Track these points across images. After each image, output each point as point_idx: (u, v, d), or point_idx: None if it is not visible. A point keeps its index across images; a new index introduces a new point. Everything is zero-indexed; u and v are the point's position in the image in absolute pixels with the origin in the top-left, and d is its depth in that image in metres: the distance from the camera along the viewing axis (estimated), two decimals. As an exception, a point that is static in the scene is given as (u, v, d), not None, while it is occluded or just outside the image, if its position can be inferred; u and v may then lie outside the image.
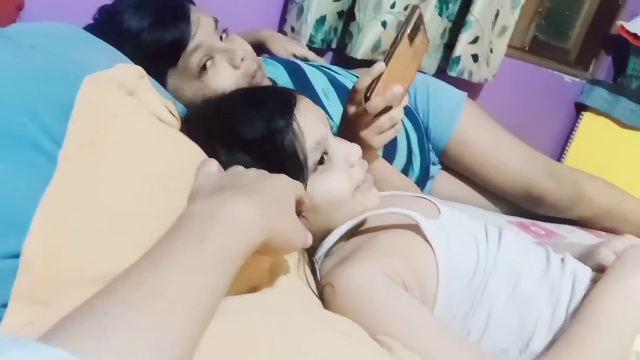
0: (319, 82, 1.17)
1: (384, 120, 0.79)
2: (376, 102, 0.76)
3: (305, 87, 1.13)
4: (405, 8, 1.43)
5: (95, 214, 0.46)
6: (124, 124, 0.52)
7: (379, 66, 0.76)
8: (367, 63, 1.41)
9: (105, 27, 0.85)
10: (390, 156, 1.21)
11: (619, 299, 0.62)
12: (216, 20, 0.94)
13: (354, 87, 0.79)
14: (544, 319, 0.67)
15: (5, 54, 0.55)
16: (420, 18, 0.80)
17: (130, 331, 0.32)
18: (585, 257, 0.78)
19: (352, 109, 0.80)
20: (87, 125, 0.50)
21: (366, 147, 0.78)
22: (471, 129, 1.33)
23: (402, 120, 1.24)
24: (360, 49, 1.43)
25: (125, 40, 0.80)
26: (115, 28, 0.84)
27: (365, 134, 0.80)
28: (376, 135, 0.81)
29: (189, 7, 0.90)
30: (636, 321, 0.61)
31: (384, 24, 1.42)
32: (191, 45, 0.88)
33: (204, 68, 0.90)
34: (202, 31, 0.89)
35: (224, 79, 0.91)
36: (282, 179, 0.53)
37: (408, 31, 0.78)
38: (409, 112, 1.31)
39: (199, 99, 0.87)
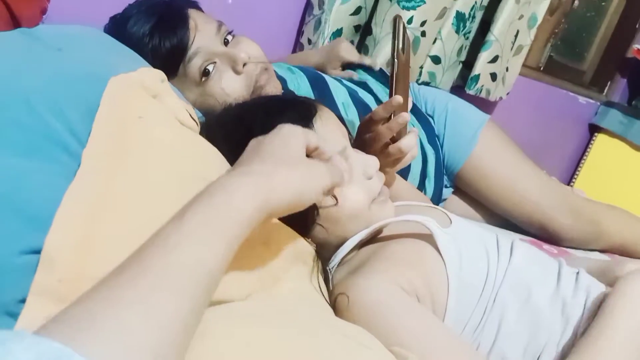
0: (340, 95, 1.17)
1: (393, 149, 0.79)
2: (382, 131, 0.77)
3: (326, 99, 1.12)
4: (422, 24, 1.44)
5: (119, 213, 0.46)
6: (149, 125, 0.53)
7: (397, 99, 0.76)
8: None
9: (115, 32, 0.84)
10: (402, 177, 1.21)
11: (627, 315, 0.62)
12: (220, 24, 0.91)
13: (370, 116, 0.80)
14: (554, 334, 0.66)
15: (34, 55, 0.56)
16: (404, 27, 0.79)
17: (120, 313, 0.32)
18: (599, 273, 0.77)
19: (365, 135, 0.81)
20: (112, 126, 0.50)
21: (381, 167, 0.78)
22: (488, 156, 1.27)
23: (422, 143, 1.25)
24: (376, 62, 1.44)
25: (132, 46, 0.80)
26: (123, 34, 0.84)
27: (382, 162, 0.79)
28: (387, 164, 0.80)
29: (189, 13, 0.88)
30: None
31: (400, 39, 1.43)
32: (190, 51, 0.86)
33: (205, 74, 0.88)
34: (201, 36, 0.87)
35: (227, 84, 0.89)
36: (285, 132, 0.52)
37: (400, 45, 0.78)
38: (430, 134, 1.29)
39: (203, 105, 0.88)
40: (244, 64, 0.89)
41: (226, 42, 0.91)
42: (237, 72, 0.89)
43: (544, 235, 1.28)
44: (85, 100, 0.53)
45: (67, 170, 0.47)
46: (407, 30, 0.85)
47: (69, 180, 0.46)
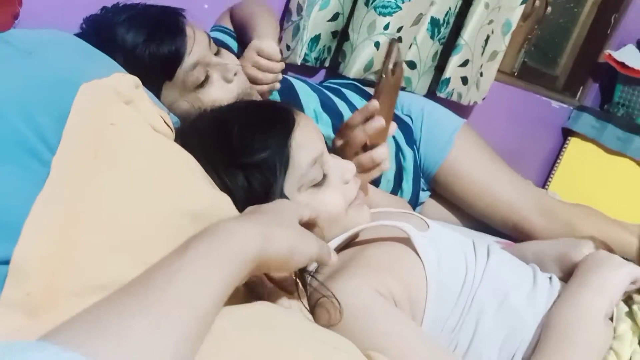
0: (311, 102, 1.18)
1: (364, 158, 0.80)
2: (356, 134, 0.77)
3: (295, 106, 1.13)
4: (399, 30, 1.45)
5: (91, 222, 0.45)
6: (121, 132, 0.52)
7: (373, 104, 0.77)
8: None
9: (96, 38, 0.83)
10: (375, 181, 1.21)
11: (577, 321, 0.65)
12: (209, 36, 0.95)
13: (346, 122, 0.80)
14: (528, 335, 0.67)
15: (3, 59, 0.55)
16: (398, 51, 0.81)
17: (147, 333, 0.34)
18: (556, 259, 0.80)
19: (339, 142, 0.82)
20: (83, 132, 0.50)
21: None
22: (464, 159, 1.30)
23: (399, 144, 1.26)
24: (353, 68, 1.45)
25: (118, 53, 0.80)
26: (107, 40, 0.83)
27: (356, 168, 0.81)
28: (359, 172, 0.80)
29: (184, 21, 0.91)
30: (594, 337, 0.64)
31: (377, 45, 1.44)
32: (189, 60, 0.88)
33: (202, 84, 0.91)
34: (198, 47, 0.90)
35: (219, 93, 0.91)
36: (284, 202, 0.56)
37: (391, 66, 0.79)
38: (407, 135, 1.30)
39: (195, 110, 0.87)
40: (235, 74, 0.93)
41: (216, 54, 0.94)
42: (228, 81, 0.93)
43: (519, 236, 1.30)
44: (56, 106, 0.52)
45: (38, 178, 0.46)
46: (402, 56, 0.86)
47: (39, 188, 0.45)
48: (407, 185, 1.30)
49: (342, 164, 0.72)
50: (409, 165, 1.29)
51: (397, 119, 1.30)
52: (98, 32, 0.86)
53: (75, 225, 0.45)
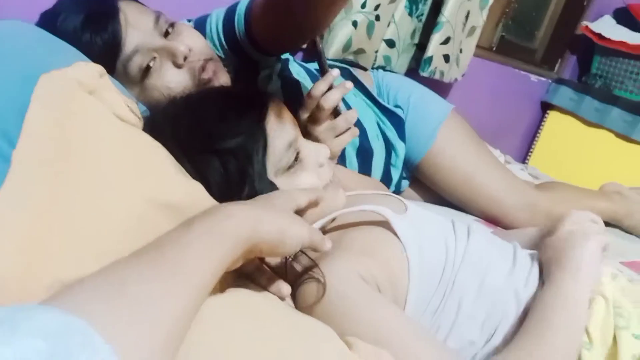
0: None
1: (339, 120, 0.80)
2: (332, 96, 0.78)
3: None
4: (376, 8, 1.43)
5: (56, 217, 0.44)
6: (84, 122, 0.50)
7: (335, 72, 0.79)
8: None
9: (46, 28, 0.77)
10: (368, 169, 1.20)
11: (559, 308, 0.64)
12: (158, 15, 0.85)
13: (309, 93, 0.79)
14: (509, 312, 0.68)
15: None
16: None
17: (145, 286, 0.36)
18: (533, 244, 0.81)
19: (305, 114, 0.81)
20: (44, 124, 0.48)
21: None
22: (448, 149, 1.27)
23: (388, 137, 1.24)
24: (331, 49, 1.43)
25: (68, 41, 0.73)
26: (54, 30, 0.76)
27: (322, 137, 0.81)
28: (333, 138, 0.81)
29: (119, 5, 0.82)
30: (577, 325, 0.64)
31: (354, 24, 1.42)
32: (127, 49, 0.81)
33: (146, 70, 0.82)
34: (136, 32, 0.81)
35: (168, 79, 0.83)
36: (281, 191, 0.59)
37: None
38: (399, 128, 1.27)
39: (148, 100, 0.83)
40: (185, 58, 0.83)
41: (166, 34, 0.85)
42: (178, 66, 0.84)
43: (502, 226, 1.28)
44: (16, 99, 0.50)
45: (-2, 175, 0.45)
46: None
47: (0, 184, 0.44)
48: (396, 175, 1.29)
49: (316, 147, 0.71)
50: (400, 160, 1.27)
51: (388, 112, 1.27)
52: (51, 21, 0.81)
53: (40, 221, 0.44)
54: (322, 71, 0.83)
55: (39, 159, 0.47)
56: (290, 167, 0.67)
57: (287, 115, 0.70)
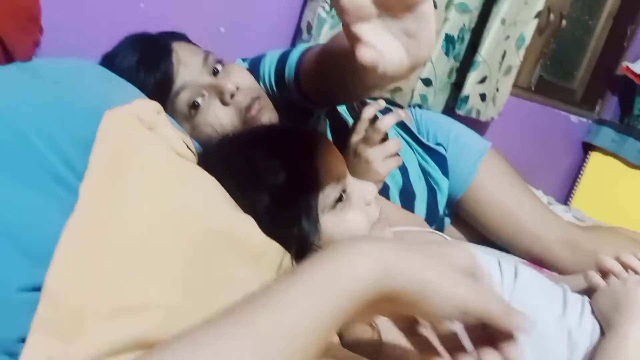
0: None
1: (390, 143, 0.86)
2: (387, 119, 0.84)
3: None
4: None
5: (117, 248, 0.46)
6: (146, 158, 0.53)
7: (382, 102, 0.88)
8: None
9: (110, 65, 0.83)
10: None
11: (626, 354, 0.63)
12: (207, 54, 0.88)
13: (360, 117, 0.86)
14: (561, 355, 0.66)
15: (31, 88, 0.56)
16: None
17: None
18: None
19: (357, 137, 0.86)
20: (109, 159, 0.50)
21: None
22: (488, 186, 1.26)
23: (432, 176, 1.25)
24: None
25: (127, 79, 0.78)
26: (113, 69, 0.81)
27: (372, 157, 0.85)
28: (383, 160, 0.85)
29: (172, 46, 0.86)
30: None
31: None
32: (176, 86, 0.84)
33: (194, 107, 0.85)
34: (187, 70, 0.85)
35: (216, 116, 0.86)
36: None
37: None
38: (442, 165, 1.28)
39: (199, 136, 0.85)
40: (232, 95, 0.86)
41: (215, 72, 0.88)
42: (224, 103, 0.86)
43: (543, 266, 1.25)
44: (82, 134, 0.53)
45: (65, 205, 0.47)
46: None
47: (67, 215, 0.46)
48: (440, 213, 1.28)
49: (363, 184, 0.71)
50: (443, 197, 1.27)
51: (430, 151, 1.29)
52: (110, 61, 0.86)
53: (102, 250, 0.46)
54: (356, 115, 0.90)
55: (103, 191, 0.49)
56: (336, 205, 0.68)
57: (334, 153, 0.71)
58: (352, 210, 0.68)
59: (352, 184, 0.70)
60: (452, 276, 0.39)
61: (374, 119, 0.87)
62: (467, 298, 0.38)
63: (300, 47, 0.96)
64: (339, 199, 0.67)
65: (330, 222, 0.66)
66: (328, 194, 0.66)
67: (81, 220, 0.45)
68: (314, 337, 0.35)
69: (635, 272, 0.77)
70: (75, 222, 0.45)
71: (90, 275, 0.43)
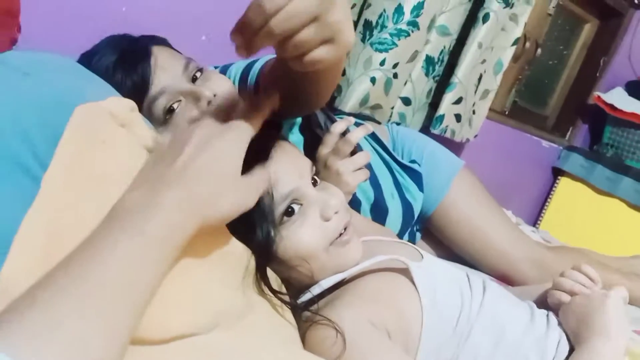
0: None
1: (359, 156, 0.88)
2: (356, 132, 0.88)
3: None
4: (395, 66, 1.47)
5: (77, 239, 0.44)
6: (112, 151, 0.52)
7: (351, 118, 0.92)
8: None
9: (87, 63, 0.81)
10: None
11: None
12: (188, 61, 0.87)
13: (330, 131, 0.89)
14: None
15: (0, 79, 0.55)
16: None
17: (79, 323, 0.34)
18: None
19: (325, 149, 0.88)
20: (74, 150, 0.49)
21: None
22: (459, 203, 1.29)
23: (408, 191, 1.25)
24: (349, 103, 1.47)
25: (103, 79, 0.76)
26: (90, 68, 0.78)
27: (342, 169, 0.86)
28: (352, 172, 0.87)
29: (152, 50, 0.85)
30: None
31: (372, 80, 1.46)
32: (154, 90, 0.82)
33: (170, 112, 0.83)
34: (165, 75, 0.83)
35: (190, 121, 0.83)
36: (220, 148, 0.51)
37: None
38: (418, 183, 1.29)
39: None
40: (209, 102, 0.82)
41: (194, 79, 0.86)
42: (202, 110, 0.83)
43: (508, 284, 1.26)
44: (51, 125, 0.52)
45: (28, 195, 0.46)
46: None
47: (29, 205, 0.45)
48: (414, 227, 1.29)
49: (325, 198, 0.66)
50: (416, 212, 1.28)
51: (407, 169, 1.30)
52: (88, 60, 0.85)
53: (60, 243, 0.44)
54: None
55: (66, 184, 0.48)
56: (285, 219, 0.64)
57: (293, 161, 0.67)
58: (304, 225, 0.65)
59: (311, 195, 0.66)
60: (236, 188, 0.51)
61: (344, 132, 0.89)
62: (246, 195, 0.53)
63: (265, 58, 0.96)
64: (287, 213, 0.65)
65: (285, 235, 0.64)
66: (277, 206, 0.63)
67: (41, 210, 0.44)
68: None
69: (593, 282, 0.79)
70: (35, 212, 0.44)
71: (48, 265, 0.42)
